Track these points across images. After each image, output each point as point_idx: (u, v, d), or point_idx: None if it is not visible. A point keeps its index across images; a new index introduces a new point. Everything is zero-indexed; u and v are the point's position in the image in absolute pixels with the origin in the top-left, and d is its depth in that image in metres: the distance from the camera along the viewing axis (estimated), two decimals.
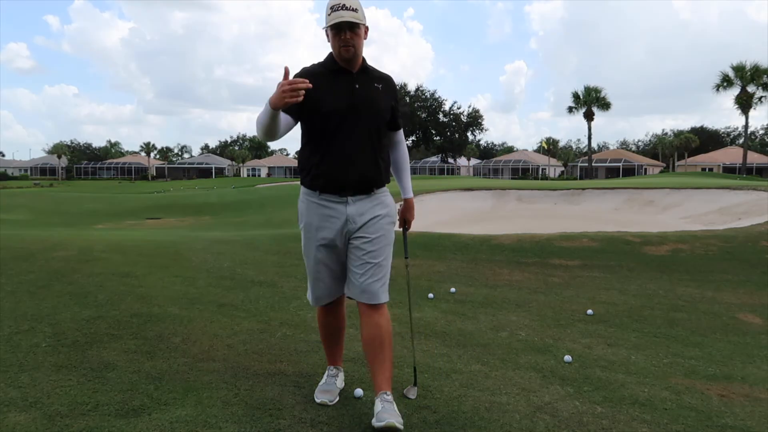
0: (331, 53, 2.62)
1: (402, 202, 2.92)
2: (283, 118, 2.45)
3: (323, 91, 2.51)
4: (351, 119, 2.56)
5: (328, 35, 2.57)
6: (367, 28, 2.61)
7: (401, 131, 2.86)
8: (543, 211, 14.96)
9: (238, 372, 3.11)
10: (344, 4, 2.49)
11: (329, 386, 2.85)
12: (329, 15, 2.52)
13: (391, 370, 2.63)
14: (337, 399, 2.80)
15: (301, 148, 2.70)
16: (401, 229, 2.97)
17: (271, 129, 2.41)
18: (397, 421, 2.42)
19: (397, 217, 2.84)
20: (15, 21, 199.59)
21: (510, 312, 4.87)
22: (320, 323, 2.93)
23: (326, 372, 2.97)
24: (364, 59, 2.66)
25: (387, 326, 2.62)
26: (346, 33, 2.50)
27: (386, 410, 2.47)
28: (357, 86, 2.59)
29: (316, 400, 2.76)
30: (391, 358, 2.64)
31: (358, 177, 2.59)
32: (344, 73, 2.60)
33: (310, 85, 2.27)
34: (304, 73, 2.56)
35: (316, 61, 2.69)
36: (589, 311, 4.91)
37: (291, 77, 2.32)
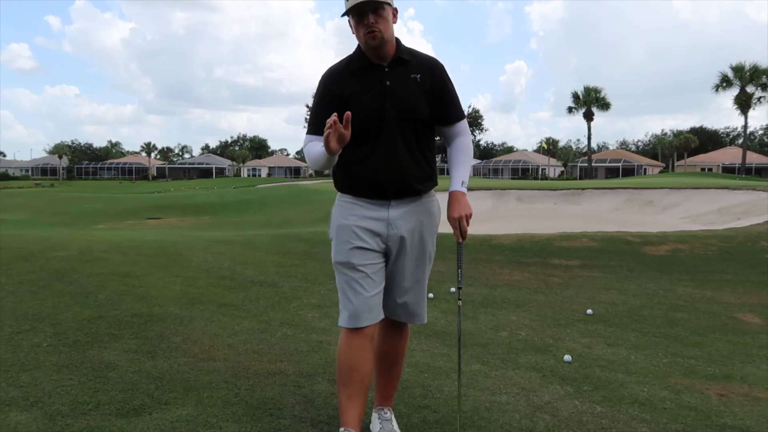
0: (358, 45, 2.28)
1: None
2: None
3: (351, 93, 2.24)
4: (384, 121, 2.25)
5: (351, 24, 2.23)
6: (396, 10, 2.26)
7: (460, 123, 2.41)
8: (543, 211, 14.97)
9: (239, 372, 3.11)
10: None
11: None
12: None
13: (396, 386, 2.52)
14: None
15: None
16: (457, 242, 2.37)
17: (329, 166, 2.24)
18: None
19: (437, 231, 2.50)
20: (16, 21, 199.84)
21: (510, 312, 4.88)
22: (341, 360, 2.27)
23: None
24: (399, 44, 2.30)
25: (404, 346, 2.50)
26: (369, 17, 2.15)
27: None
28: (388, 83, 2.25)
29: None
30: (400, 374, 2.53)
31: (399, 182, 2.28)
32: (374, 68, 2.26)
33: (338, 119, 2.01)
34: (327, 74, 2.31)
35: (332, 60, 2.43)
36: (589, 311, 4.92)
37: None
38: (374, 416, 2.46)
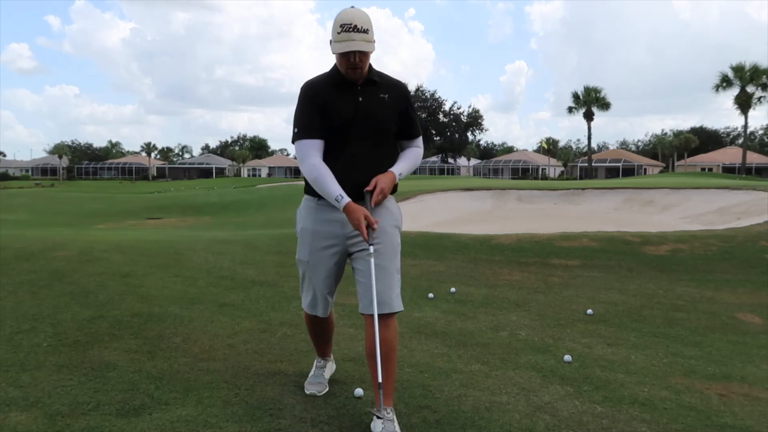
0: (336, 65, 2.56)
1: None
2: (317, 145, 2.54)
3: (327, 105, 2.53)
4: (353, 132, 2.54)
5: (332, 50, 2.49)
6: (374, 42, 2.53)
7: (418, 139, 2.74)
8: (543, 211, 14.96)
9: (239, 372, 3.11)
10: (356, 25, 2.41)
11: (317, 378, 2.93)
12: (338, 34, 2.43)
13: (393, 383, 2.56)
14: (327, 389, 2.88)
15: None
16: (366, 193, 2.54)
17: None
18: None
19: (401, 223, 2.74)
20: (16, 21, 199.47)
21: (510, 312, 4.88)
22: (308, 323, 2.94)
23: (314, 364, 3.03)
24: (370, 67, 2.58)
25: (394, 340, 2.53)
26: (355, 57, 2.45)
27: None
28: (360, 99, 2.56)
29: (306, 392, 2.84)
30: (395, 370, 2.57)
31: (357, 186, 2.51)
32: (349, 85, 2.55)
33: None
34: (308, 87, 2.58)
35: (320, 70, 2.66)
36: (589, 311, 4.92)
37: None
38: (375, 419, 2.47)
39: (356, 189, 2.51)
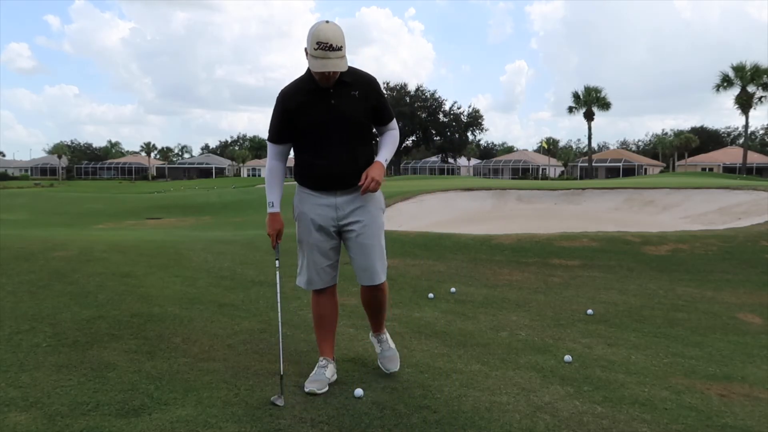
0: (309, 71, 2.79)
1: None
2: (282, 150, 2.99)
3: (303, 111, 2.82)
4: (330, 131, 2.84)
5: (307, 57, 2.71)
6: None
7: (391, 122, 3.02)
8: (543, 211, 14.96)
9: (239, 372, 3.11)
10: (331, 44, 2.62)
11: (319, 377, 2.95)
12: (315, 50, 2.63)
13: (384, 319, 3.22)
14: (327, 389, 2.90)
15: (295, 156, 3.05)
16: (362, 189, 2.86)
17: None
18: (396, 366, 3.11)
19: (384, 206, 3.09)
20: (16, 21, 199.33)
21: (510, 312, 4.87)
22: (313, 312, 3.12)
23: (317, 363, 3.05)
24: None
25: (383, 298, 3.10)
26: (329, 73, 2.71)
27: (386, 356, 3.13)
28: (333, 101, 2.81)
29: (305, 389, 2.87)
30: (385, 312, 3.20)
31: (343, 178, 2.88)
32: (322, 90, 2.80)
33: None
34: (283, 95, 2.85)
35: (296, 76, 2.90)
36: (589, 311, 4.92)
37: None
38: (373, 339, 3.24)
39: (339, 181, 2.89)
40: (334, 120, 2.81)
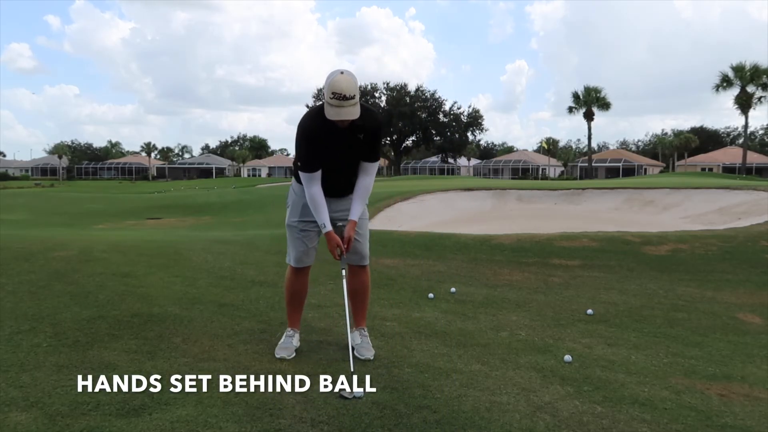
0: (323, 107, 3.11)
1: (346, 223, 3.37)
2: (318, 175, 3.26)
3: (321, 140, 3.20)
4: (336, 162, 3.27)
5: (325, 108, 3.07)
6: None
7: (374, 164, 3.40)
8: (543, 211, 14.96)
9: (239, 372, 3.11)
10: (345, 95, 2.96)
11: (287, 344, 3.45)
12: (331, 99, 2.99)
13: (366, 311, 3.62)
14: (294, 355, 3.37)
15: (299, 168, 3.32)
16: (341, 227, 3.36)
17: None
18: (372, 355, 3.40)
19: (368, 217, 3.60)
20: (16, 21, 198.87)
21: (510, 312, 4.87)
22: (288, 287, 3.55)
23: (285, 333, 3.53)
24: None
25: (368, 281, 3.58)
26: (344, 120, 3.08)
27: (364, 346, 3.44)
28: (344, 141, 3.21)
29: (276, 356, 3.34)
30: (367, 303, 3.63)
31: (338, 193, 3.39)
32: (336, 128, 3.15)
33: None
34: (305, 127, 3.21)
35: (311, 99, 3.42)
36: (589, 311, 4.92)
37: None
38: (355, 333, 3.49)
39: (337, 192, 3.39)
40: (342, 154, 3.25)
